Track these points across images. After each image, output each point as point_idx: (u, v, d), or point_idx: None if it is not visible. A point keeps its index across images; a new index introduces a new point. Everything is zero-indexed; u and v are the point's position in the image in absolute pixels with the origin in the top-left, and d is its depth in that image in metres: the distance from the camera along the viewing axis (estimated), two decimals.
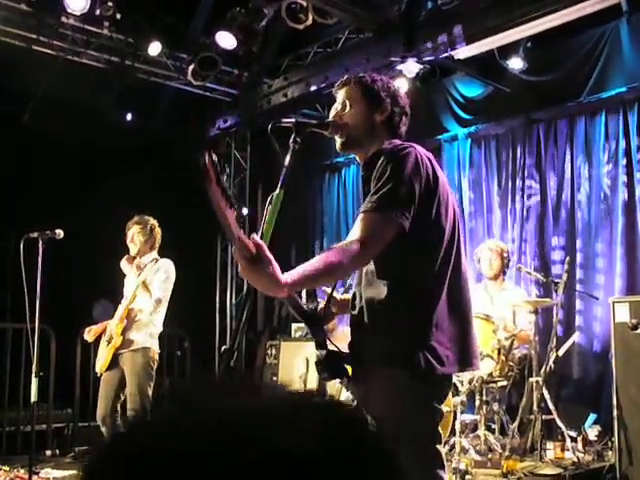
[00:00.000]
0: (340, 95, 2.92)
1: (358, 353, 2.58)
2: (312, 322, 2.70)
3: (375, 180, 2.54)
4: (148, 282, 5.49)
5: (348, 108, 2.85)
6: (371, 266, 2.62)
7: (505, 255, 6.84)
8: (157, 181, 8.42)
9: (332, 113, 2.91)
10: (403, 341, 2.54)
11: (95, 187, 8.06)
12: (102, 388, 5.50)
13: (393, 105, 2.85)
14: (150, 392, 5.35)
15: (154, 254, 5.69)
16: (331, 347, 2.62)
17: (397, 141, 2.79)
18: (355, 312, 2.68)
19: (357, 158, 2.94)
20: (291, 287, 2.32)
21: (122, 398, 5.49)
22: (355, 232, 2.45)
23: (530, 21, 6.58)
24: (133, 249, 5.64)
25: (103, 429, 5.40)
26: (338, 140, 2.85)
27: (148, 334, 5.50)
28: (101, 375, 5.53)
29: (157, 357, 5.53)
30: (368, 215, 2.47)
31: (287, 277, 2.27)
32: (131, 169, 8.31)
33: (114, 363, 5.43)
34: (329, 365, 2.58)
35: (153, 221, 5.74)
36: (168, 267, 5.62)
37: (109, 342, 5.43)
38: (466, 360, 2.63)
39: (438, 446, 2.61)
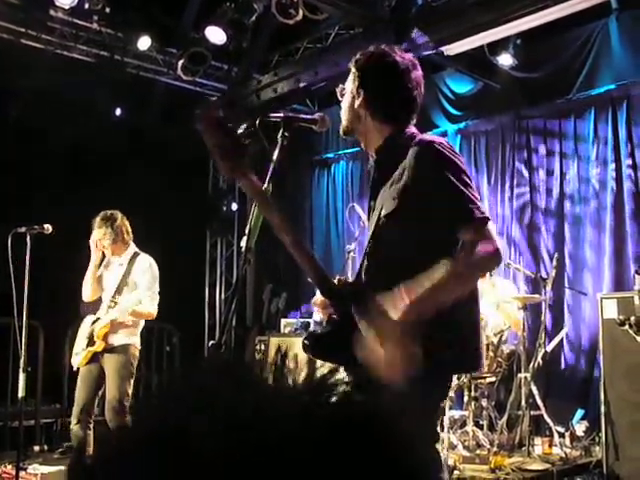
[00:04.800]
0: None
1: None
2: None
3: (432, 181, 2.45)
4: (134, 281, 5.44)
5: (345, 93, 2.78)
6: (393, 261, 2.51)
7: None
8: (146, 177, 8.38)
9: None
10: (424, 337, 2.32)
11: (84, 182, 8.01)
12: (80, 383, 5.40)
13: (388, 88, 2.71)
14: (130, 390, 5.27)
15: (131, 247, 5.57)
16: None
17: (414, 130, 2.72)
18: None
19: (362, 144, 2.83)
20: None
21: (99, 395, 5.43)
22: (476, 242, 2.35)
23: (520, 18, 6.59)
24: (107, 253, 5.53)
25: (74, 429, 5.27)
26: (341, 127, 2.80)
27: (129, 332, 5.43)
28: (78, 369, 5.44)
29: (138, 354, 5.45)
30: (478, 226, 2.38)
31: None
32: (119, 165, 8.27)
33: (93, 359, 5.35)
34: (331, 344, 2.53)
35: (112, 214, 5.53)
36: (151, 265, 5.52)
37: (89, 342, 5.34)
38: (472, 363, 2.61)
39: (437, 445, 2.57)
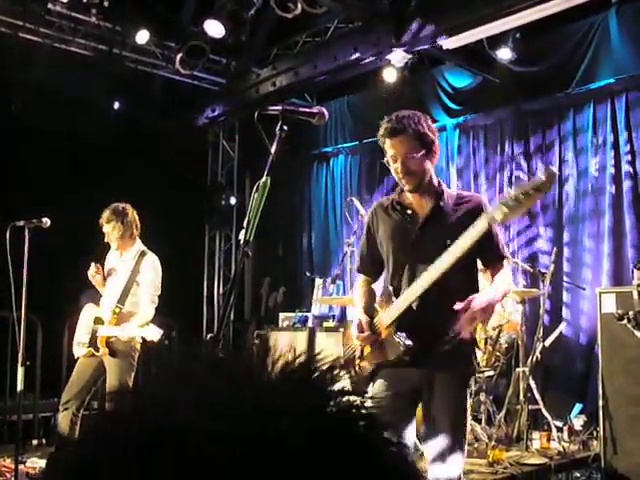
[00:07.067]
0: (393, 145, 3.24)
1: (437, 346, 3.20)
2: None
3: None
4: (139, 282, 5.46)
5: (409, 160, 3.22)
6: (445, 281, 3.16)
7: None
8: (145, 171, 8.37)
9: (393, 163, 3.26)
10: (469, 342, 3.29)
11: (82, 176, 8.01)
12: (76, 372, 5.40)
13: (437, 142, 3.32)
14: (130, 382, 5.27)
15: (138, 244, 5.54)
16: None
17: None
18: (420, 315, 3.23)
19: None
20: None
21: (93, 389, 5.44)
22: (507, 276, 3.42)
23: (519, 11, 6.57)
24: (113, 246, 5.53)
25: (62, 414, 5.27)
26: (407, 186, 3.29)
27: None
28: (78, 358, 5.44)
29: (139, 346, 5.43)
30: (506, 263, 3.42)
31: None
32: (117, 158, 8.26)
33: (95, 354, 5.35)
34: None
35: (124, 208, 5.50)
36: (156, 265, 5.51)
37: (92, 342, 5.33)
38: None
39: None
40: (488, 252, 3.30)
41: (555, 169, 3.11)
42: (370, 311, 3.44)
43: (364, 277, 3.60)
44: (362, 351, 3.45)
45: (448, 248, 3.14)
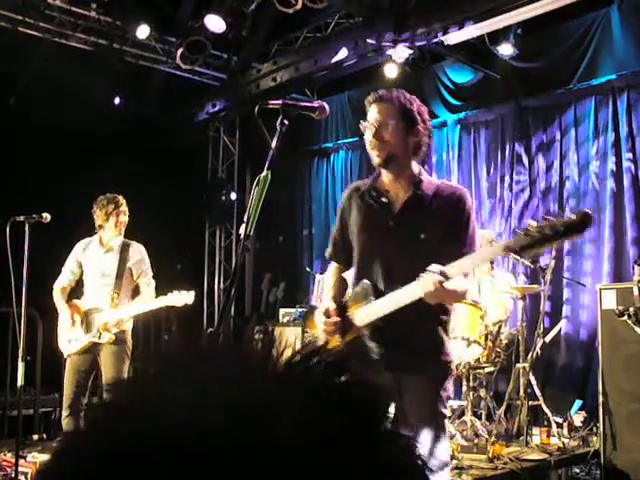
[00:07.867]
0: (376, 111, 3.12)
1: (407, 344, 2.98)
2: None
3: (457, 219, 3.07)
4: (132, 269, 5.46)
5: (386, 127, 3.07)
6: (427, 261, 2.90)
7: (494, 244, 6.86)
8: (145, 166, 8.36)
9: (369, 129, 3.11)
10: (443, 337, 3.09)
11: (81, 171, 8.00)
12: (71, 371, 5.37)
13: (424, 128, 3.12)
14: (125, 373, 5.28)
15: (121, 236, 5.59)
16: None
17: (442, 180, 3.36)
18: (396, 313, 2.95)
19: (386, 175, 3.16)
20: None
21: (90, 384, 5.44)
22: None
23: (520, 7, 6.57)
24: (110, 233, 5.51)
25: (66, 420, 5.27)
26: (377, 158, 3.09)
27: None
28: (67, 357, 5.43)
29: (130, 337, 5.48)
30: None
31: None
32: (118, 153, 8.25)
33: (89, 348, 5.34)
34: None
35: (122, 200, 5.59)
36: (143, 252, 5.56)
37: (90, 331, 5.33)
38: None
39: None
40: (454, 250, 2.98)
41: (589, 210, 2.64)
42: (338, 301, 3.23)
43: (335, 265, 3.40)
44: (326, 343, 3.11)
45: (424, 243, 3.01)
